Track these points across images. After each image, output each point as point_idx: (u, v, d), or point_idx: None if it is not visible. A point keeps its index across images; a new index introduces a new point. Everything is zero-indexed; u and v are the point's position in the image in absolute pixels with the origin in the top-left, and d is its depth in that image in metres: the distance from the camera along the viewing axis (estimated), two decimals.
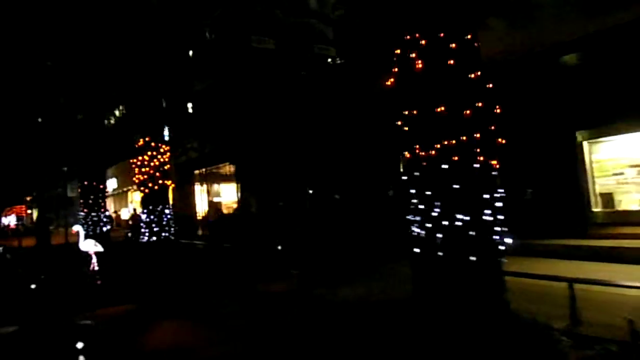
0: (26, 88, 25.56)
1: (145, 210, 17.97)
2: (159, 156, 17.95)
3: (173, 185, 18.70)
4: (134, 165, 18.18)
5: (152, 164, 17.85)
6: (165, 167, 18.13)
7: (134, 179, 18.09)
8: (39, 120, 28.34)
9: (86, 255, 16.99)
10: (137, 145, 18.15)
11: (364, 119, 16.16)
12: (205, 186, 34.86)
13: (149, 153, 17.84)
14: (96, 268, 16.57)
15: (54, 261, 19.86)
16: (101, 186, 25.01)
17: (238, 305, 9.92)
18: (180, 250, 18.01)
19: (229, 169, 33.64)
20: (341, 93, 16.44)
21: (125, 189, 49.51)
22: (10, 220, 37.94)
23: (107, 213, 25.53)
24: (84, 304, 10.64)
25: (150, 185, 17.75)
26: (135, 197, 48.27)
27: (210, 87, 25.37)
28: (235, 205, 29.96)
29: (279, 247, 17.08)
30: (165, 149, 18.12)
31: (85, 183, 24.66)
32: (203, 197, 35.16)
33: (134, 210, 27.10)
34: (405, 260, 8.28)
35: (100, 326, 9.18)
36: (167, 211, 18.09)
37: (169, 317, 9.49)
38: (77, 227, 18.17)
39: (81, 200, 24.92)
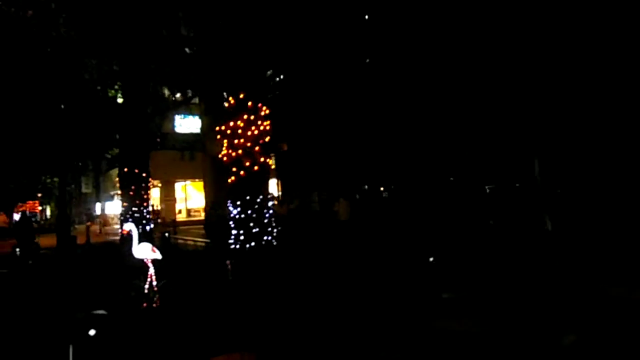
0: (41, 63, 18.09)
1: (238, 203, 10.64)
2: (260, 122, 10.69)
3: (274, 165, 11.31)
4: (220, 136, 10.88)
5: (248, 133, 10.58)
6: (266, 139, 10.86)
7: (221, 155, 10.76)
8: (60, 104, 20.79)
9: (139, 265, 9.78)
10: (227, 106, 10.88)
11: None
12: None
13: (245, 117, 10.57)
14: (154, 283, 9.36)
15: (91, 270, 12.51)
16: (144, 174, 17.56)
17: None
18: (280, 260, 10.78)
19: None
20: None
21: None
22: None
23: (150, 208, 18.07)
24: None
25: (247, 164, 10.48)
26: (153, 194, 40.05)
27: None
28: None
29: (430, 258, 10.15)
30: (267, 112, 10.84)
31: (126, 170, 17.22)
32: None
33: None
34: None
35: None
36: (270, 203, 10.83)
37: None
38: (129, 226, 10.50)
39: (119, 192, 17.51)
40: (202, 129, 29.97)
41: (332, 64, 12.80)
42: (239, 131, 10.50)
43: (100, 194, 44.40)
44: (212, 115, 26.41)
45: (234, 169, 10.58)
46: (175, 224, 30.49)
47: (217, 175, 28.00)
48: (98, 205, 43.85)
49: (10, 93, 19.00)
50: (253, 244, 10.41)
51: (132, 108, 17.47)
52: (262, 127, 10.64)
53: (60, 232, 20.70)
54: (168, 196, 39.52)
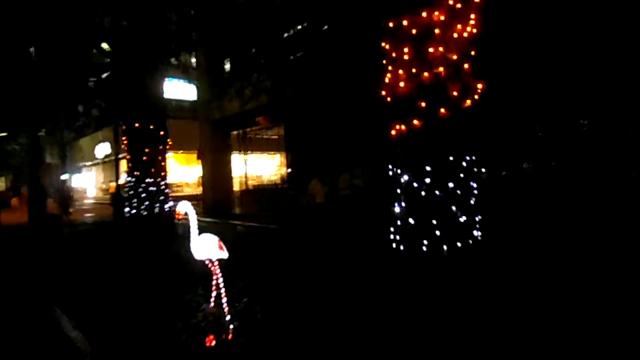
0: None
1: (427, 168, 4.95)
2: (472, 16, 5.02)
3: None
4: (385, 43, 5.07)
5: (454, 35, 4.92)
6: (472, 53, 5.18)
7: (389, 78, 4.97)
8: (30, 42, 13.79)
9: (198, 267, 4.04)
10: None
11: None
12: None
13: (451, 3, 4.85)
14: (224, 300, 3.68)
15: (104, 268, 6.47)
16: (161, 133, 11.26)
17: None
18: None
19: (277, 131, 20.89)
20: None
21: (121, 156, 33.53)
22: None
23: (167, 181, 11.79)
24: None
25: (454, 94, 4.82)
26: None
27: None
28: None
29: None
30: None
31: (137, 126, 10.83)
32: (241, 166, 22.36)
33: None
34: None
35: None
36: (474, 183, 5.22)
37: None
38: (185, 206, 4.47)
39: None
40: (199, 92, 23.54)
41: None
42: (436, 31, 4.81)
43: (66, 165, 36.37)
44: (213, 74, 20.16)
45: (423, 104, 4.90)
46: None
47: (217, 145, 21.82)
48: (65, 177, 35.89)
49: None
50: (457, 244, 4.87)
51: (139, 39, 11.00)
52: (470, 29, 5.01)
53: (34, 207, 13.97)
54: None
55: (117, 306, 4.89)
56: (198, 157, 23.86)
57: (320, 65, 11.19)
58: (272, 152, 24.24)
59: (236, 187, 22.69)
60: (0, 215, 14.92)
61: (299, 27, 14.10)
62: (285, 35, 15.09)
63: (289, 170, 20.08)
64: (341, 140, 13.82)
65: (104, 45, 12.50)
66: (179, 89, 27.48)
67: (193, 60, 22.93)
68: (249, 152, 22.09)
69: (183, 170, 32.38)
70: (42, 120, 15.34)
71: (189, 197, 26.25)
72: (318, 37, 11.84)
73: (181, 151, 30.59)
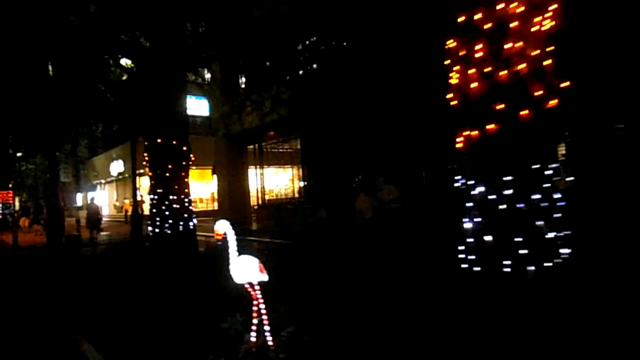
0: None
1: (505, 178, 4.29)
2: (549, 6, 4.40)
3: None
4: (453, 40, 4.46)
5: (532, 29, 4.30)
6: (552, 47, 4.53)
7: (456, 80, 4.34)
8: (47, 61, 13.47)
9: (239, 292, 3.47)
10: None
11: None
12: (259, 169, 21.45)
13: None
14: (267, 328, 3.00)
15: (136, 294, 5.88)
16: (184, 148, 10.71)
17: None
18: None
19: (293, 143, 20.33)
20: None
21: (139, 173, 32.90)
22: None
23: (190, 198, 11.20)
24: None
25: (536, 93, 4.18)
26: (144, 183, 32.06)
27: None
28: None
29: None
30: None
31: (159, 141, 10.28)
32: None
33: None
34: None
35: None
36: (560, 194, 4.56)
37: None
38: (223, 225, 3.91)
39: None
40: (213, 107, 23.20)
41: None
42: (514, 24, 4.22)
43: (80, 184, 36.10)
44: (229, 88, 19.72)
45: (500, 106, 4.29)
46: None
47: (233, 159, 21.32)
48: (79, 196, 35.59)
49: None
50: (544, 264, 4.21)
51: (161, 53, 10.51)
52: (550, 21, 4.41)
53: (51, 227, 13.47)
54: None
55: (148, 335, 4.29)
56: (213, 173, 23.33)
57: (351, 73, 10.61)
58: (287, 166, 23.77)
59: (252, 202, 22.13)
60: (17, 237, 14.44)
61: (323, 35, 13.59)
62: (307, 42, 14.64)
63: (305, 183, 19.44)
64: (368, 150, 13.20)
65: (123, 61, 12.07)
66: (191, 105, 27.15)
67: (207, 75, 22.56)
68: (265, 166, 21.56)
69: (196, 186, 31.83)
70: (61, 138, 14.90)
71: (203, 213, 25.79)
72: (354, 41, 11.27)
73: (194, 167, 30.03)
